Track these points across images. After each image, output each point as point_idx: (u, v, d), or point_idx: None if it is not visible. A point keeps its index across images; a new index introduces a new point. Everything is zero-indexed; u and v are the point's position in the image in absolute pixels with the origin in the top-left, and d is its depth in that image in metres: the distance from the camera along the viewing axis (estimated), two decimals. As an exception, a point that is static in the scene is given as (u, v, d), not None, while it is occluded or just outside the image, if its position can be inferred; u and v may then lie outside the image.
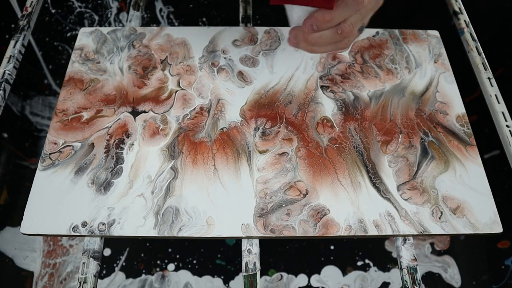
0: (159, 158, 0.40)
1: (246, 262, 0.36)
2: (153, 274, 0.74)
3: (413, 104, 0.44)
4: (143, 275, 0.74)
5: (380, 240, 0.78)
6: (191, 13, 0.76)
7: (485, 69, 0.47)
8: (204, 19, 0.75)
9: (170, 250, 0.76)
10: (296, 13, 0.40)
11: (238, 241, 0.76)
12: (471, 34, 0.50)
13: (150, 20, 0.77)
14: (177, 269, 0.75)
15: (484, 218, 0.37)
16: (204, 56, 0.47)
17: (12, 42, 0.46)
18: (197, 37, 0.49)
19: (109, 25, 0.79)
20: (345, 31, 0.36)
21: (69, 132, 0.41)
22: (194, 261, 0.76)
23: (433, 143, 0.42)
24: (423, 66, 0.47)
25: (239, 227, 0.36)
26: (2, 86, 0.43)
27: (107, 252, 0.76)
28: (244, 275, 0.35)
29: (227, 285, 0.74)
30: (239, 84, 0.45)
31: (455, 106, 0.44)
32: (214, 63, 0.47)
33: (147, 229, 0.36)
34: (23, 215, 0.36)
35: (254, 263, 0.36)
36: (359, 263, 0.76)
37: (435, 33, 0.51)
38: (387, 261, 0.76)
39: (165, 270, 0.75)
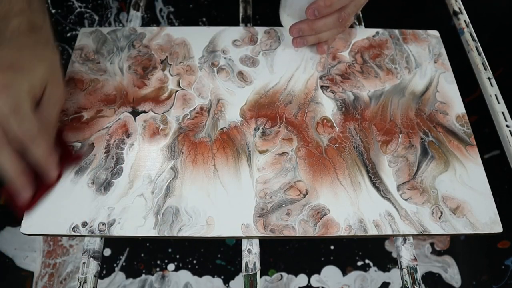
0: (159, 158, 0.40)
1: (246, 262, 0.36)
2: (153, 274, 0.74)
3: (413, 104, 0.44)
4: (143, 275, 0.74)
5: (380, 240, 0.78)
6: (191, 13, 0.76)
7: (485, 69, 0.47)
8: (204, 19, 0.75)
9: (170, 250, 0.76)
10: (288, 20, 0.46)
11: (238, 241, 0.76)
12: (471, 34, 0.50)
13: (150, 20, 0.77)
14: (177, 269, 0.75)
15: (484, 218, 0.37)
16: (204, 56, 0.47)
17: (12, 42, 0.46)
18: (197, 37, 0.49)
19: (109, 25, 0.79)
20: (345, 18, 0.43)
21: (69, 132, 0.41)
22: (194, 261, 0.76)
23: (433, 143, 0.42)
24: (423, 66, 0.47)
25: (239, 227, 0.36)
26: (2, 86, 0.43)
27: (107, 252, 0.76)
28: (244, 275, 0.35)
29: (227, 285, 0.74)
30: (239, 84, 0.45)
31: (455, 106, 0.44)
32: (214, 63, 0.47)
33: (147, 229, 0.36)
34: (23, 215, 0.36)
35: (254, 263, 0.36)
36: (359, 263, 0.76)
37: (435, 33, 0.51)
38: (387, 261, 0.76)
39: (165, 270, 0.75)
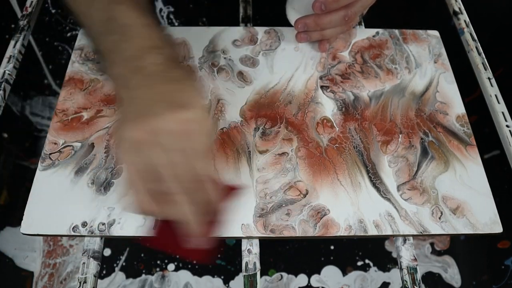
0: (159, 158, 0.40)
1: (246, 262, 0.36)
2: (153, 274, 0.74)
3: (413, 104, 0.44)
4: (143, 275, 0.74)
5: (380, 240, 0.78)
6: (191, 13, 0.76)
7: (485, 69, 0.47)
8: (204, 19, 0.75)
9: (170, 250, 0.76)
10: (294, 14, 0.46)
11: (238, 241, 0.76)
12: (471, 34, 0.50)
13: (150, 20, 0.77)
14: (177, 269, 0.75)
15: (484, 218, 0.37)
16: (204, 56, 0.47)
17: (12, 42, 0.46)
18: (197, 37, 0.49)
19: (109, 25, 0.79)
20: (351, 17, 0.43)
21: (69, 132, 0.41)
22: (194, 261, 0.76)
23: (433, 143, 0.42)
24: (423, 66, 0.47)
25: (239, 227, 0.36)
26: (2, 86, 0.43)
27: (107, 252, 0.76)
28: (244, 275, 0.35)
29: (227, 285, 0.74)
30: (239, 84, 0.45)
31: (455, 106, 0.44)
32: (214, 63, 0.47)
33: (147, 229, 0.36)
34: (23, 215, 0.36)
35: (254, 263, 0.36)
36: (359, 263, 0.76)
37: (435, 33, 0.51)
38: (387, 261, 0.76)
39: (165, 270, 0.75)
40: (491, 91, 0.45)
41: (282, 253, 0.77)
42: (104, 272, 0.74)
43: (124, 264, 0.75)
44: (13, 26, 0.73)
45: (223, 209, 0.35)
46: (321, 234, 0.36)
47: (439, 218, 0.37)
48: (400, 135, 0.42)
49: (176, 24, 0.77)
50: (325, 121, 0.43)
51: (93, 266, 0.35)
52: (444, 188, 0.39)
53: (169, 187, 0.29)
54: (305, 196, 0.38)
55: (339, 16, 0.43)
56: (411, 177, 0.39)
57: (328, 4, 0.41)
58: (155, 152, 0.28)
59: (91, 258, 0.36)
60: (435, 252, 0.77)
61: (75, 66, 0.46)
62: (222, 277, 0.74)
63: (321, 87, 0.45)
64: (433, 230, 0.37)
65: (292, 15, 0.46)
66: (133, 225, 0.36)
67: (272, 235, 0.36)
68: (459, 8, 0.52)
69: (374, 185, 0.39)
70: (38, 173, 0.39)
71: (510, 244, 0.74)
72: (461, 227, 0.37)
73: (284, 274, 0.75)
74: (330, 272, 0.75)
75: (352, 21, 0.44)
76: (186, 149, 0.29)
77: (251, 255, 0.36)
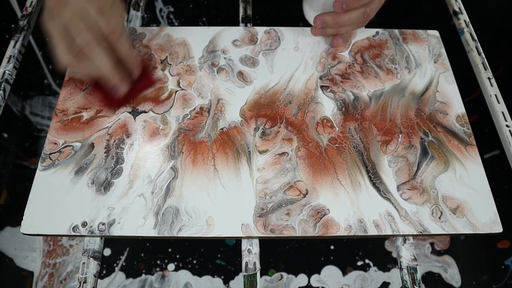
0: (159, 158, 0.40)
1: (246, 262, 0.36)
2: (153, 274, 0.74)
3: (413, 104, 0.44)
4: (143, 275, 0.74)
5: (380, 240, 0.78)
6: (191, 13, 0.76)
7: (485, 69, 0.47)
8: (204, 19, 0.75)
9: (170, 250, 0.76)
10: (311, 12, 0.47)
11: (238, 241, 0.76)
12: (471, 34, 0.50)
13: (150, 20, 0.77)
14: (177, 269, 0.75)
15: (484, 218, 0.37)
16: (204, 56, 0.47)
17: (12, 42, 0.46)
18: (197, 37, 0.49)
19: (109, 25, 0.79)
20: (369, 14, 0.43)
21: (69, 132, 0.41)
22: (194, 261, 0.76)
23: (433, 143, 0.42)
24: (423, 66, 0.47)
25: (239, 227, 0.36)
26: (2, 86, 0.43)
27: (107, 252, 0.76)
28: (244, 275, 0.35)
29: (227, 285, 0.74)
30: (239, 84, 0.45)
31: (455, 106, 0.44)
32: (214, 63, 0.47)
33: (147, 229, 0.36)
34: (23, 215, 0.36)
35: (254, 263, 0.36)
36: (359, 263, 0.76)
37: (435, 33, 0.51)
38: (387, 261, 0.76)
39: (165, 270, 0.75)
40: (491, 91, 0.45)
41: (282, 253, 0.77)
42: (104, 272, 0.74)
43: (124, 264, 0.75)
44: (13, 26, 0.73)
45: (138, 69, 0.43)
46: (321, 234, 0.36)
47: (439, 218, 0.37)
48: (400, 135, 0.42)
49: (176, 24, 0.77)
50: (325, 121, 0.43)
51: (93, 266, 0.35)
52: (444, 188, 0.39)
53: (79, 40, 0.36)
54: (305, 196, 0.38)
55: (358, 14, 0.43)
56: (411, 177, 0.39)
57: (349, 3, 0.41)
58: (64, 12, 0.35)
59: (91, 258, 0.36)
60: (435, 252, 0.77)
61: (75, 66, 0.46)
62: (222, 277, 0.74)
63: (321, 87, 0.45)
64: (433, 230, 0.37)
65: (310, 12, 0.47)
66: (133, 225, 0.36)
67: (272, 235, 0.36)
68: (459, 8, 0.52)
69: (374, 185, 0.39)
70: (38, 173, 0.39)
71: (510, 244, 0.74)
72: (461, 227, 0.37)
73: (284, 274, 0.75)
74: (330, 272, 0.75)
75: (369, 18, 0.44)
76: (91, 4, 0.35)
77: (251, 255, 0.36)
